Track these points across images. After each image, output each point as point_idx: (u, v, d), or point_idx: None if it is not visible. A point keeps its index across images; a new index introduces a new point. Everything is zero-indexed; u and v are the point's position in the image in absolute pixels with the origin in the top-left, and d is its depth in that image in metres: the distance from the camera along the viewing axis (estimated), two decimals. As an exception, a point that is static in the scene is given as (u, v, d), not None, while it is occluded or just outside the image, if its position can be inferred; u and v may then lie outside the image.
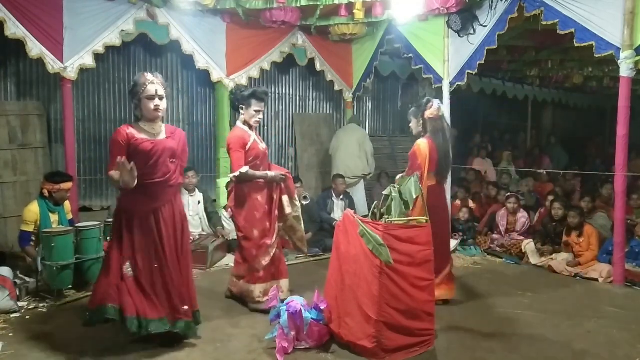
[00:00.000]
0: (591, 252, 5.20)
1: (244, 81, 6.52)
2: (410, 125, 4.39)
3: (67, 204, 4.81)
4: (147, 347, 3.28)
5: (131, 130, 3.18)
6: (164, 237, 3.20)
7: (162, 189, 3.21)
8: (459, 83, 6.00)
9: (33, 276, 4.36)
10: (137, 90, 3.17)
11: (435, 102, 4.17)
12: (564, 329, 3.71)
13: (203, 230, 5.92)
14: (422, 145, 4.10)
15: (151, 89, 3.15)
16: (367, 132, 8.27)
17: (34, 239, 4.50)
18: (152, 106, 3.17)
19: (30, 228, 4.46)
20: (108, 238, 4.52)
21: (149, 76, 3.19)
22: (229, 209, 4.21)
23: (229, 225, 6.05)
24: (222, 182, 6.57)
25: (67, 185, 4.62)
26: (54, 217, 4.58)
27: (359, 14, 5.94)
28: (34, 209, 4.47)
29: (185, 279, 3.30)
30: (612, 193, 6.42)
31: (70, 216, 4.86)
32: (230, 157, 4.02)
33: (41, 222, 4.46)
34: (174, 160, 3.28)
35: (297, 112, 7.98)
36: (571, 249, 5.38)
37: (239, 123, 4.19)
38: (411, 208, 3.44)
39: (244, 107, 4.14)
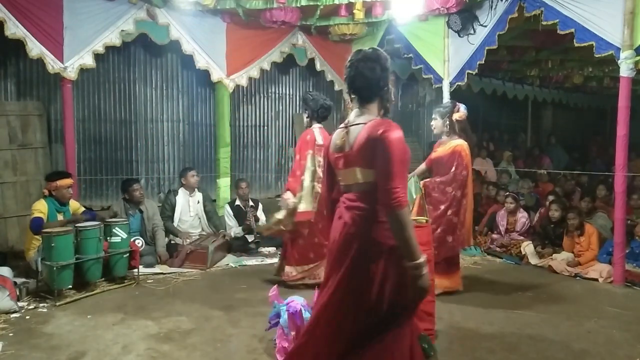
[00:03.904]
0: (591, 251, 5.19)
1: (243, 81, 6.53)
2: (434, 123, 4.48)
3: (73, 203, 4.84)
4: (148, 347, 3.28)
5: None
6: None
7: None
8: (459, 83, 6.00)
9: (33, 276, 4.36)
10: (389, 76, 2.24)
11: (462, 106, 4.42)
12: (564, 329, 3.71)
13: (203, 230, 5.93)
14: (466, 145, 4.29)
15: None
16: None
17: (37, 238, 4.50)
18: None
19: (42, 215, 4.46)
20: (108, 239, 4.55)
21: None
22: None
23: (230, 221, 6.06)
24: (222, 182, 6.59)
25: (64, 182, 4.62)
26: (59, 217, 4.61)
27: (359, 14, 5.95)
28: (43, 204, 4.52)
29: None
30: (606, 194, 6.45)
31: (81, 209, 4.89)
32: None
33: (48, 220, 4.49)
34: None
35: (297, 112, 7.98)
36: (571, 249, 5.38)
37: None
38: (411, 209, 3.44)
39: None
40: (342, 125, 2.27)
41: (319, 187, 4.35)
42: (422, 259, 2.01)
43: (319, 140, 4.48)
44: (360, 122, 2.17)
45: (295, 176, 4.50)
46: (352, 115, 2.25)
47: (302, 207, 4.39)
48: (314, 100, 4.57)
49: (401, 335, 2.12)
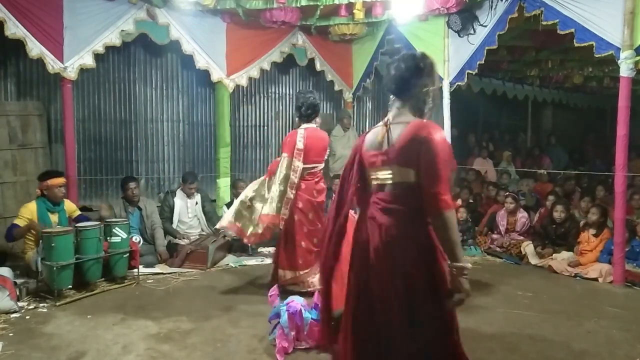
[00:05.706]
0: (595, 253, 5.16)
1: (243, 81, 6.53)
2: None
3: (69, 204, 4.82)
4: (148, 347, 3.28)
5: None
6: None
7: None
8: (459, 83, 6.00)
9: (33, 276, 4.36)
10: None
11: None
12: (564, 329, 3.71)
13: (202, 230, 5.93)
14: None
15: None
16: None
17: (32, 239, 4.51)
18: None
19: (21, 222, 4.46)
20: (108, 239, 4.55)
21: None
22: None
23: None
24: (222, 182, 6.59)
25: (55, 181, 4.59)
26: (53, 217, 4.59)
27: (359, 14, 5.95)
28: (30, 207, 4.53)
29: None
30: (605, 194, 6.43)
31: (77, 213, 4.87)
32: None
33: (39, 222, 4.48)
34: None
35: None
36: (578, 246, 5.31)
37: None
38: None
39: None
40: (381, 123, 2.26)
41: (291, 194, 4.25)
42: (467, 263, 2.05)
43: (300, 144, 4.28)
44: (402, 121, 2.18)
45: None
46: (391, 115, 2.25)
47: (266, 210, 4.22)
48: (304, 98, 4.47)
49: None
